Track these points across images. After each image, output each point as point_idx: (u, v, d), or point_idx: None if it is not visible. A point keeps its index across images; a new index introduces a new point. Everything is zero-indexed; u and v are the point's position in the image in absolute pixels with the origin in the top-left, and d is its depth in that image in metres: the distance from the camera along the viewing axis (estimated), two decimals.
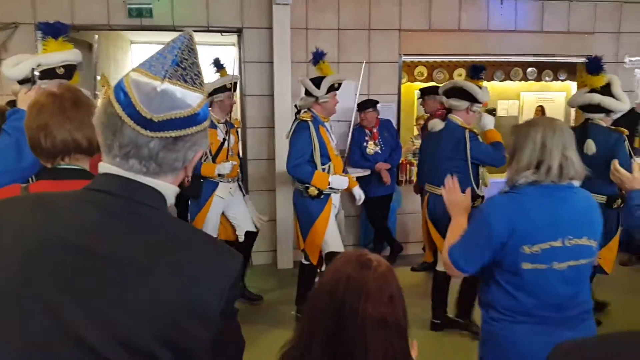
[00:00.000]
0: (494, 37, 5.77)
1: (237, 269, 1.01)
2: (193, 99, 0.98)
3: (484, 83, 8.62)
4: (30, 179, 1.74)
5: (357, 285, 1.24)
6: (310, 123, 3.77)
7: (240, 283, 1.02)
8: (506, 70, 8.20)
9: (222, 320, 0.96)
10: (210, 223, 4.23)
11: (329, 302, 1.25)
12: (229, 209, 4.36)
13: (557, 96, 9.03)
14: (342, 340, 1.22)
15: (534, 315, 1.82)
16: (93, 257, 0.92)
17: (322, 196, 3.79)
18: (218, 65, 4.53)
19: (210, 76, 4.57)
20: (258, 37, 5.30)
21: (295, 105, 4.02)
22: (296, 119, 3.90)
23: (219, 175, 4.15)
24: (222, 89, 4.25)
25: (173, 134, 0.96)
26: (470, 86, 3.73)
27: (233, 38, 5.72)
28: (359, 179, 5.13)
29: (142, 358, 0.90)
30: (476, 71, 3.89)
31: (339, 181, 3.85)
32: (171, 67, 0.96)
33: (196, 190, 4.11)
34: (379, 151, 5.20)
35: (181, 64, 0.98)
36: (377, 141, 5.22)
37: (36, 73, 2.34)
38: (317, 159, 3.77)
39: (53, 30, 2.77)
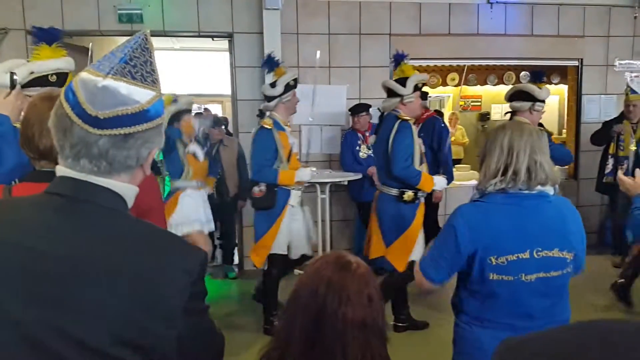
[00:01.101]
0: (484, 41, 5.79)
1: (198, 266, 1.00)
2: (142, 95, 0.97)
3: (477, 87, 8.66)
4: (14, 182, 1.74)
5: (337, 287, 1.24)
6: (411, 124, 3.68)
7: (203, 279, 1.03)
8: (499, 75, 8.24)
9: (185, 317, 0.96)
10: (282, 236, 3.89)
11: (309, 304, 1.25)
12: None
13: (550, 100, 9.05)
14: (321, 342, 1.22)
15: (501, 322, 1.78)
16: (47, 260, 0.92)
17: (416, 200, 3.70)
18: (272, 63, 4.11)
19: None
20: (249, 42, 5.32)
21: (378, 109, 3.96)
22: (388, 119, 3.77)
23: (296, 182, 3.87)
24: (288, 87, 3.90)
25: (122, 131, 0.95)
26: (529, 87, 3.90)
27: (224, 43, 5.73)
28: (351, 182, 5.15)
29: (103, 358, 0.90)
30: (537, 76, 4.38)
31: (442, 182, 3.80)
32: (118, 65, 0.96)
33: (271, 200, 3.82)
34: (372, 155, 5.20)
35: (130, 62, 0.98)
36: (369, 145, 5.22)
37: (15, 77, 2.33)
38: (417, 161, 3.66)
39: (47, 36, 2.71)
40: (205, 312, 1.06)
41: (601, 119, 5.73)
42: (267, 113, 3.95)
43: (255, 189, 3.82)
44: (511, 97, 3.97)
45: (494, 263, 1.72)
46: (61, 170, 1.00)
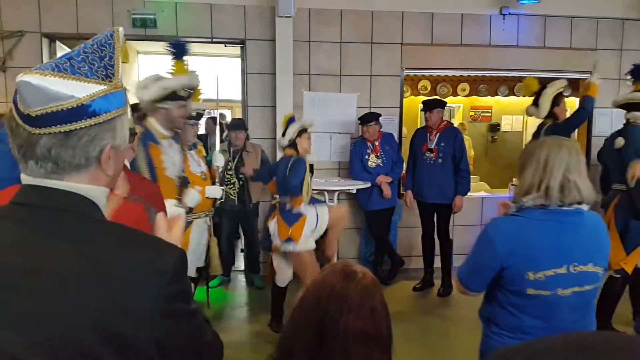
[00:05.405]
0: (495, 52, 5.78)
1: (172, 266, 0.95)
2: (79, 89, 0.93)
3: (487, 98, 8.64)
4: None
5: (339, 296, 1.23)
6: None
7: (182, 279, 0.98)
8: (510, 86, 8.23)
9: (164, 321, 0.93)
10: None
11: (312, 312, 1.25)
12: None
13: None
14: (323, 352, 1.21)
15: (536, 335, 1.77)
16: (10, 272, 0.90)
17: None
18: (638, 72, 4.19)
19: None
20: (261, 48, 5.35)
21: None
22: None
23: None
24: None
25: (61, 128, 0.92)
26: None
27: (236, 49, 5.77)
28: (359, 191, 5.15)
29: None
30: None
31: None
32: (58, 60, 0.94)
33: None
34: (381, 164, 5.20)
35: (77, 57, 0.95)
36: (378, 154, 5.21)
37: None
38: None
39: (180, 51, 3.05)
40: (191, 315, 1.01)
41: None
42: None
43: None
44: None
45: (532, 278, 1.74)
46: (22, 177, 0.98)
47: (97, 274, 0.90)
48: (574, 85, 7.54)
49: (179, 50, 3.05)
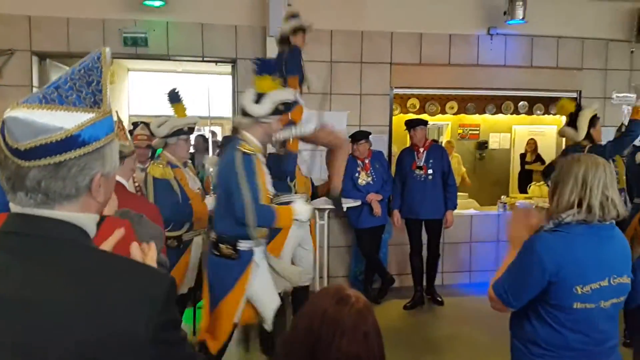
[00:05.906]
0: (483, 71, 5.87)
1: (163, 294, 0.95)
2: (68, 120, 0.92)
3: (475, 116, 8.74)
4: None
5: (332, 320, 1.24)
6: None
7: (173, 307, 0.98)
8: (498, 104, 8.32)
9: (155, 349, 0.92)
10: None
11: (305, 335, 1.25)
12: None
13: (548, 129, 9.12)
14: None
15: (579, 349, 1.84)
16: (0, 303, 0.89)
17: None
18: None
19: None
20: (252, 67, 5.36)
21: None
22: None
23: None
24: None
25: (50, 160, 0.91)
26: None
27: (226, 67, 5.80)
28: (349, 209, 5.14)
29: None
30: None
31: None
32: (45, 90, 0.94)
33: None
34: (371, 182, 5.21)
35: (64, 85, 0.94)
36: (368, 172, 5.23)
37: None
38: None
39: (267, 68, 3.12)
40: (181, 343, 1.01)
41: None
42: None
43: None
44: None
45: (579, 292, 1.79)
46: (11, 207, 0.97)
47: (87, 303, 0.89)
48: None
49: (265, 67, 3.12)
